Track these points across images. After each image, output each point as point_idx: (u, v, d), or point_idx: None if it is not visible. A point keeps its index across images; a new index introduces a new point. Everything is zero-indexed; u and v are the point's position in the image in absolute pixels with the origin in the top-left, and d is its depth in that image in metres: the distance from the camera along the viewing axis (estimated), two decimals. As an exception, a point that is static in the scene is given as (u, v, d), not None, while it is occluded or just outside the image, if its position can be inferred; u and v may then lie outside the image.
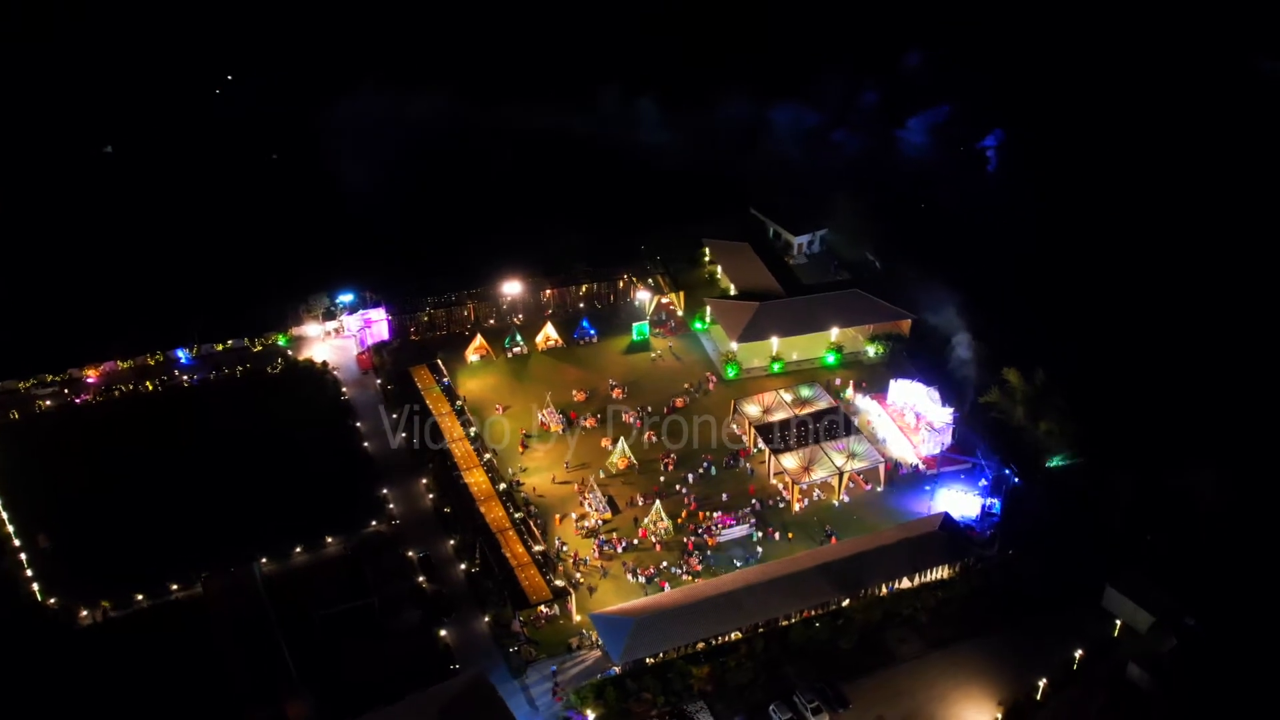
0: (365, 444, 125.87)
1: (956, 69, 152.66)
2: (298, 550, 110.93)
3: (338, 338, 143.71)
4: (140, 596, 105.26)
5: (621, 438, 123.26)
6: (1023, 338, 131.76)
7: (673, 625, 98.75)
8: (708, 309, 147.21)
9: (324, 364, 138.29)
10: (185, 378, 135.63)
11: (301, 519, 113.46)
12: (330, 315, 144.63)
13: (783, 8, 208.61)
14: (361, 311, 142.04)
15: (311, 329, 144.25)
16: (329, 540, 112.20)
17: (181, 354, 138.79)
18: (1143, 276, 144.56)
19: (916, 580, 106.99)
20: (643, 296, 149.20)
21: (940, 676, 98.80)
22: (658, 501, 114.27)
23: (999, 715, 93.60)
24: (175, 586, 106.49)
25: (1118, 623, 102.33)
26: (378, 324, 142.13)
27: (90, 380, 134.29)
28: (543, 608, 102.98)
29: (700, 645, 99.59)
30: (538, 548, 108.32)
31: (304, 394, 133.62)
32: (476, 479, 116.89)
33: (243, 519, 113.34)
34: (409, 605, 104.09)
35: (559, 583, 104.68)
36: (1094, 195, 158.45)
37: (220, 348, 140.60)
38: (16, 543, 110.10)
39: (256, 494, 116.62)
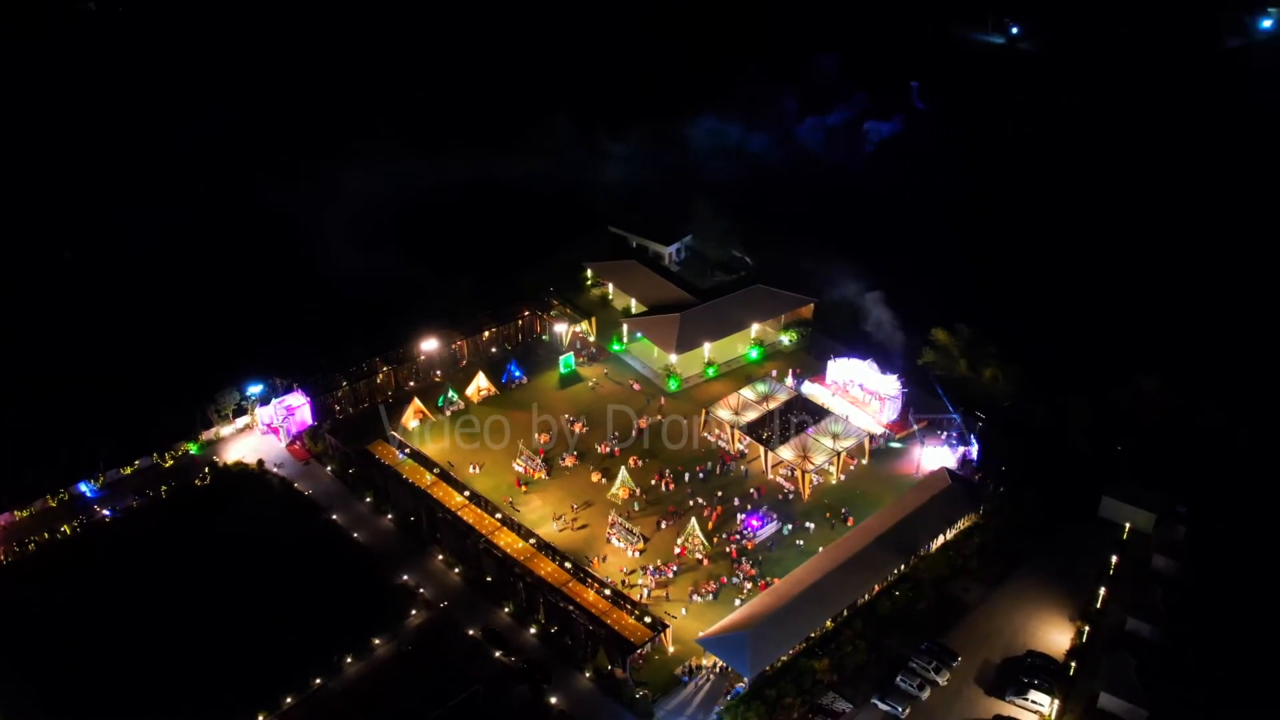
0: (355, 534, 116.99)
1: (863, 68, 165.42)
2: (349, 661, 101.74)
3: (253, 434, 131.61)
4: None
5: (623, 468, 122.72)
6: (928, 300, 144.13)
7: (781, 628, 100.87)
8: (625, 329, 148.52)
9: (260, 463, 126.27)
10: (105, 512, 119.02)
11: (332, 629, 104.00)
12: (241, 411, 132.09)
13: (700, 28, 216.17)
14: (278, 400, 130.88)
15: (227, 430, 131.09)
16: (376, 642, 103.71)
17: (85, 487, 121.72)
18: (1027, 224, 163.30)
19: (950, 533, 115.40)
20: (559, 329, 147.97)
21: (1012, 611, 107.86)
22: (693, 520, 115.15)
23: (1085, 628, 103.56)
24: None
25: (1127, 526, 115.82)
26: (300, 409, 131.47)
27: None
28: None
29: (800, 645, 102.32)
30: (606, 591, 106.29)
31: (252, 500, 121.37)
32: (507, 540, 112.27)
33: (265, 646, 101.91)
34: (508, 683, 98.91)
35: (647, 619, 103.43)
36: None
37: (128, 471, 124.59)
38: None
39: (264, 617, 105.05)
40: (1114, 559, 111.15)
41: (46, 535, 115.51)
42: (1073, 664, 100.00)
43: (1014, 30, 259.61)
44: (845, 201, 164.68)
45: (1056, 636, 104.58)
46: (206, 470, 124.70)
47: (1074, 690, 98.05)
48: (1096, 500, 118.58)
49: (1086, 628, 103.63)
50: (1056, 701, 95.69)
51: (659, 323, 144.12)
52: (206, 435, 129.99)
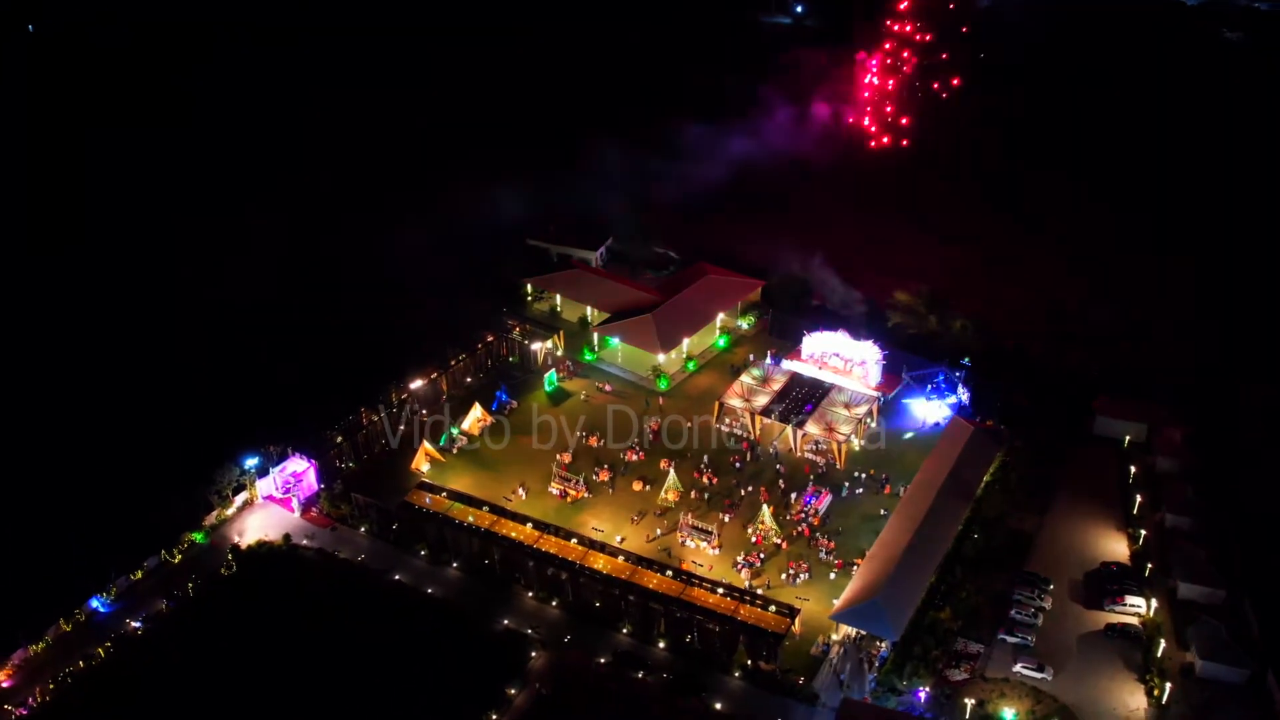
0: (429, 590, 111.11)
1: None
2: (494, 717, 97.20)
3: (256, 510, 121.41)
4: None
5: (671, 471, 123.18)
6: (868, 266, 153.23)
7: (902, 589, 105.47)
8: (595, 337, 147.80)
9: (286, 538, 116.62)
10: (134, 625, 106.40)
11: (457, 690, 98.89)
12: (240, 488, 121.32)
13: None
14: (279, 468, 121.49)
15: (229, 510, 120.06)
16: (511, 692, 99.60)
17: (97, 603, 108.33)
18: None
19: (988, 474, 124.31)
20: (535, 347, 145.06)
21: (1069, 531, 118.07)
22: (764, 506, 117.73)
23: (1140, 533, 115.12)
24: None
25: (1126, 439, 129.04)
26: (306, 474, 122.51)
27: (7, 684, 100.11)
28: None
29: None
30: (720, 590, 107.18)
31: (298, 580, 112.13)
32: (601, 561, 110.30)
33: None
34: (671, 698, 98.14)
35: (772, 607, 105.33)
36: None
37: (138, 576, 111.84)
38: None
39: (379, 695, 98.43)
40: (1132, 469, 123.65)
41: (81, 664, 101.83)
42: (1148, 565, 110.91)
43: (798, 9, 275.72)
44: (770, 186, 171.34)
45: (1115, 544, 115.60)
46: (229, 557, 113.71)
47: (1154, 587, 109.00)
48: (1089, 421, 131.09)
49: (1143, 532, 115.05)
50: (1154, 601, 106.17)
51: (633, 326, 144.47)
52: (209, 520, 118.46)
